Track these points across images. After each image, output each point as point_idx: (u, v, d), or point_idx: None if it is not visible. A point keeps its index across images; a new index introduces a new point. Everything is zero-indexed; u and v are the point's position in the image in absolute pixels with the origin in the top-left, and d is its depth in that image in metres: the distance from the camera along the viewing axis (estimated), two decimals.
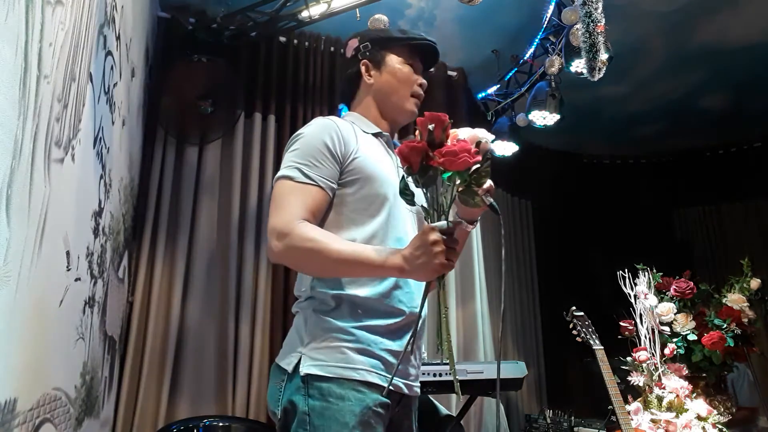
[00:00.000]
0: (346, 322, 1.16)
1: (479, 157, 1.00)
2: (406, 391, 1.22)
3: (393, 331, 1.20)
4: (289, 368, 1.16)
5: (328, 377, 1.11)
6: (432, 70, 1.55)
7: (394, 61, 1.39)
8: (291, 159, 1.21)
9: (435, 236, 1.01)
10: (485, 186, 1.13)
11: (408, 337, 1.12)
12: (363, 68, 1.40)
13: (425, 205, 1.09)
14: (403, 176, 1.05)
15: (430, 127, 1.02)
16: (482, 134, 1.08)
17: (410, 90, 1.39)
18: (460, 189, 1.03)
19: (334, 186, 1.21)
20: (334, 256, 1.09)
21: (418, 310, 1.13)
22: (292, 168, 1.19)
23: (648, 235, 5.02)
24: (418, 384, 1.29)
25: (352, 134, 1.28)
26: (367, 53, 1.40)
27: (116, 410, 2.49)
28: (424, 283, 1.12)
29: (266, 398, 1.24)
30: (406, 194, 1.05)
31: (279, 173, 1.21)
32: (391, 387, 1.15)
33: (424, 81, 1.42)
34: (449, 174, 1.00)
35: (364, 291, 1.18)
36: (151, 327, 2.67)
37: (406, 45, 1.40)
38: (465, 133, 1.06)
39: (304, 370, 1.13)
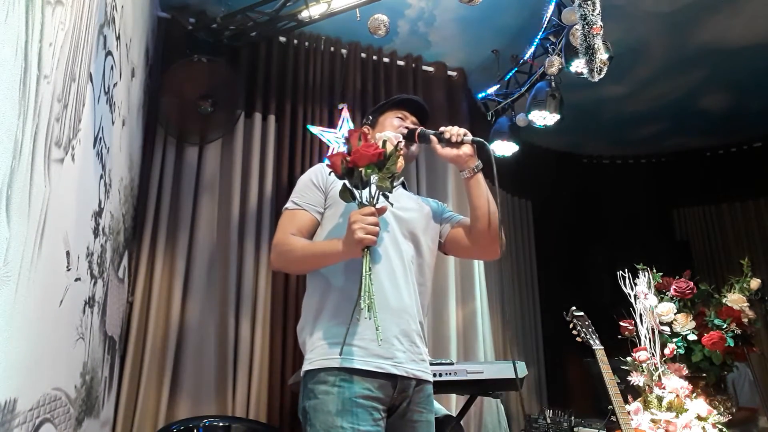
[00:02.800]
0: (322, 325, 1.43)
1: (379, 150, 1.31)
2: (394, 371, 1.37)
3: (361, 326, 1.38)
4: (301, 373, 1.43)
5: (315, 369, 1.37)
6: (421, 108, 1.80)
7: (384, 117, 1.73)
8: (291, 196, 1.61)
9: (354, 217, 1.32)
10: (460, 131, 1.52)
11: (357, 301, 1.32)
12: (366, 129, 1.73)
13: (364, 201, 1.37)
14: (343, 183, 1.36)
15: (344, 138, 1.37)
16: (387, 134, 1.45)
17: (396, 132, 1.65)
18: (376, 178, 1.32)
19: (319, 209, 1.56)
20: (300, 252, 1.47)
21: (391, 302, 1.42)
22: (289, 201, 1.59)
23: (648, 235, 5.02)
24: (416, 368, 1.43)
25: None
26: (368, 121, 1.77)
27: (116, 410, 2.49)
28: (394, 282, 1.45)
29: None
30: (343, 195, 1.37)
31: (283, 207, 1.61)
32: (374, 369, 1.34)
33: (412, 125, 1.69)
34: (364, 168, 1.30)
35: (334, 293, 1.44)
36: (151, 327, 2.67)
37: (392, 103, 1.75)
38: (377, 137, 1.40)
39: (304, 370, 1.41)
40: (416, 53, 3.70)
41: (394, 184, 1.56)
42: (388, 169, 1.32)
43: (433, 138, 1.56)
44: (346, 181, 1.35)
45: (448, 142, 1.54)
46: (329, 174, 1.47)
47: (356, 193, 1.35)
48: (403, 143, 1.40)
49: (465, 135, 1.53)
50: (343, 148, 1.42)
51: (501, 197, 1.40)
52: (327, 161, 1.38)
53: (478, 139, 1.53)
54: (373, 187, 1.35)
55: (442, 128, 1.57)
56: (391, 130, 1.66)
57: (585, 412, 3.06)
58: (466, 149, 1.53)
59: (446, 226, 1.67)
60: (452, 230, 1.66)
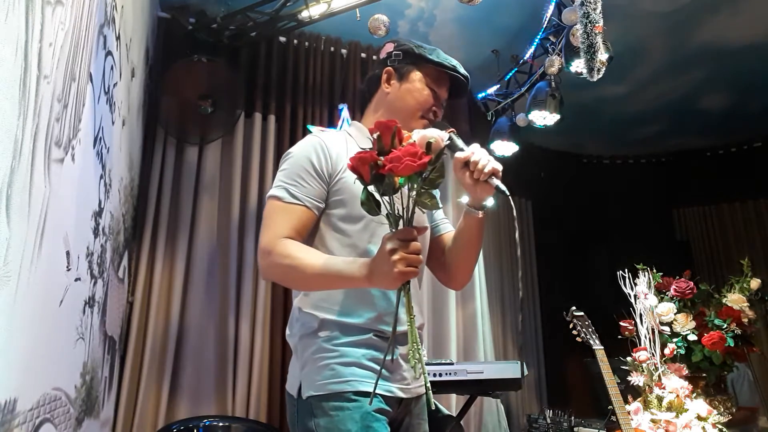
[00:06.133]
0: (329, 342, 1.22)
1: (426, 158, 0.98)
2: (402, 395, 1.25)
3: (378, 345, 1.23)
4: (294, 393, 1.24)
5: (326, 395, 1.17)
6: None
7: (417, 78, 1.37)
8: (280, 178, 1.26)
9: (392, 245, 1.03)
10: (487, 169, 1.16)
11: (389, 346, 1.14)
12: (385, 75, 1.40)
13: (397, 212, 1.07)
14: (364, 188, 1.03)
15: (376, 135, 1.02)
16: (432, 133, 1.04)
17: (421, 113, 1.37)
18: (414, 193, 1.02)
19: (321, 204, 1.25)
20: (309, 270, 1.15)
21: (405, 325, 1.14)
22: (280, 188, 1.24)
23: (648, 235, 5.02)
24: (417, 385, 1.31)
25: (342, 151, 1.29)
26: (396, 62, 1.39)
27: (116, 410, 2.49)
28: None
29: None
30: (366, 205, 1.04)
31: (269, 192, 1.27)
32: (385, 393, 1.19)
33: (440, 110, 1.39)
34: (403, 179, 0.99)
35: (343, 315, 1.23)
36: (151, 327, 2.67)
37: (435, 69, 1.38)
38: (416, 135, 1.04)
39: (305, 394, 1.20)
40: None
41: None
42: (431, 181, 1.00)
43: (458, 154, 1.22)
44: (372, 189, 1.02)
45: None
46: (331, 154, 1.23)
47: (384, 203, 1.03)
48: (448, 143, 1.08)
49: (491, 177, 1.18)
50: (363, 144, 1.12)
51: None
52: (349, 162, 1.04)
53: (503, 188, 1.18)
54: (404, 195, 1.04)
55: (472, 150, 1.21)
56: (418, 96, 1.36)
57: (585, 412, 3.06)
58: (487, 187, 1.21)
59: (431, 232, 1.47)
60: (431, 241, 1.45)
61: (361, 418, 1.14)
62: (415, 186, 1.00)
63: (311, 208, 1.24)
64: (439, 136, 1.04)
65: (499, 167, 1.20)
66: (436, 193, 1.09)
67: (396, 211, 1.04)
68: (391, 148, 1.00)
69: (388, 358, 1.11)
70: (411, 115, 1.36)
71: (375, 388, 1.06)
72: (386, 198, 1.02)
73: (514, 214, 1.14)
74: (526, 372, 2.31)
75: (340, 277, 1.14)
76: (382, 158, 0.98)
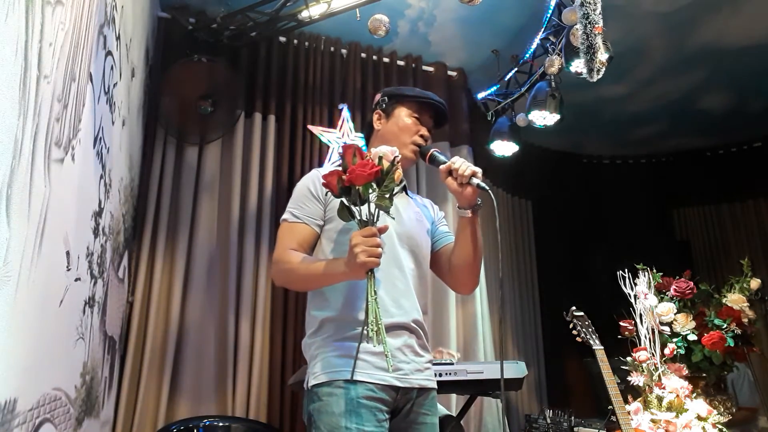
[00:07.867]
0: (326, 340, 1.43)
1: (377, 168, 1.25)
2: (398, 383, 1.39)
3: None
4: (305, 387, 1.44)
5: (321, 383, 1.37)
6: (440, 121, 1.74)
7: (402, 112, 1.63)
8: (288, 206, 1.55)
9: (355, 240, 1.27)
10: (467, 172, 1.42)
11: (363, 328, 1.27)
12: (375, 117, 1.68)
13: (364, 218, 1.32)
14: (340, 200, 1.30)
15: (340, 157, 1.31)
16: (384, 149, 1.32)
17: (410, 139, 1.60)
18: (374, 197, 1.27)
19: (319, 222, 1.51)
20: (301, 271, 1.41)
21: (395, 317, 1.42)
22: (287, 212, 1.54)
23: (648, 235, 5.02)
24: (421, 377, 1.45)
25: None
26: (383, 105, 1.66)
27: (116, 410, 2.49)
28: (394, 296, 1.44)
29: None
30: (341, 213, 1.31)
31: (281, 218, 1.56)
32: (378, 381, 1.36)
33: (427, 133, 1.63)
34: (363, 187, 1.25)
35: (338, 313, 1.43)
36: (151, 327, 2.67)
37: (414, 101, 1.64)
38: (372, 153, 1.31)
39: (309, 386, 1.42)
40: (416, 53, 3.70)
41: (394, 191, 1.45)
42: (386, 186, 1.28)
43: (442, 166, 1.48)
44: (344, 199, 1.30)
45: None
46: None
47: (355, 210, 1.30)
48: (399, 158, 1.34)
49: (472, 177, 1.43)
50: (337, 156, 1.38)
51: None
52: (322, 179, 1.33)
53: (483, 185, 1.42)
54: (373, 204, 1.29)
55: (452, 160, 1.47)
56: (403, 126, 1.60)
57: (585, 412, 3.06)
58: (470, 189, 1.44)
59: (434, 245, 1.65)
60: (436, 252, 1.64)
61: (347, 403, 1.32)
62: (370, 190, 1.26)
63: (310, 225, 1.50)
64: (389, 151, 1.32)
65: (478, 170, 1.44)
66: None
67: (365, 216, 1.29)
68: (353, 165, 1.26)
69: (375, 345, 1.24)
70: (402, 143, 1.58)
71: (354, 369, 1.30)
72: (356, 207, 1.29)
73: (495, 204, 1.39)
74: (526, 372, 2.31)
75: (323, 274, 1.37)
76: (346, 174, 1.26)
